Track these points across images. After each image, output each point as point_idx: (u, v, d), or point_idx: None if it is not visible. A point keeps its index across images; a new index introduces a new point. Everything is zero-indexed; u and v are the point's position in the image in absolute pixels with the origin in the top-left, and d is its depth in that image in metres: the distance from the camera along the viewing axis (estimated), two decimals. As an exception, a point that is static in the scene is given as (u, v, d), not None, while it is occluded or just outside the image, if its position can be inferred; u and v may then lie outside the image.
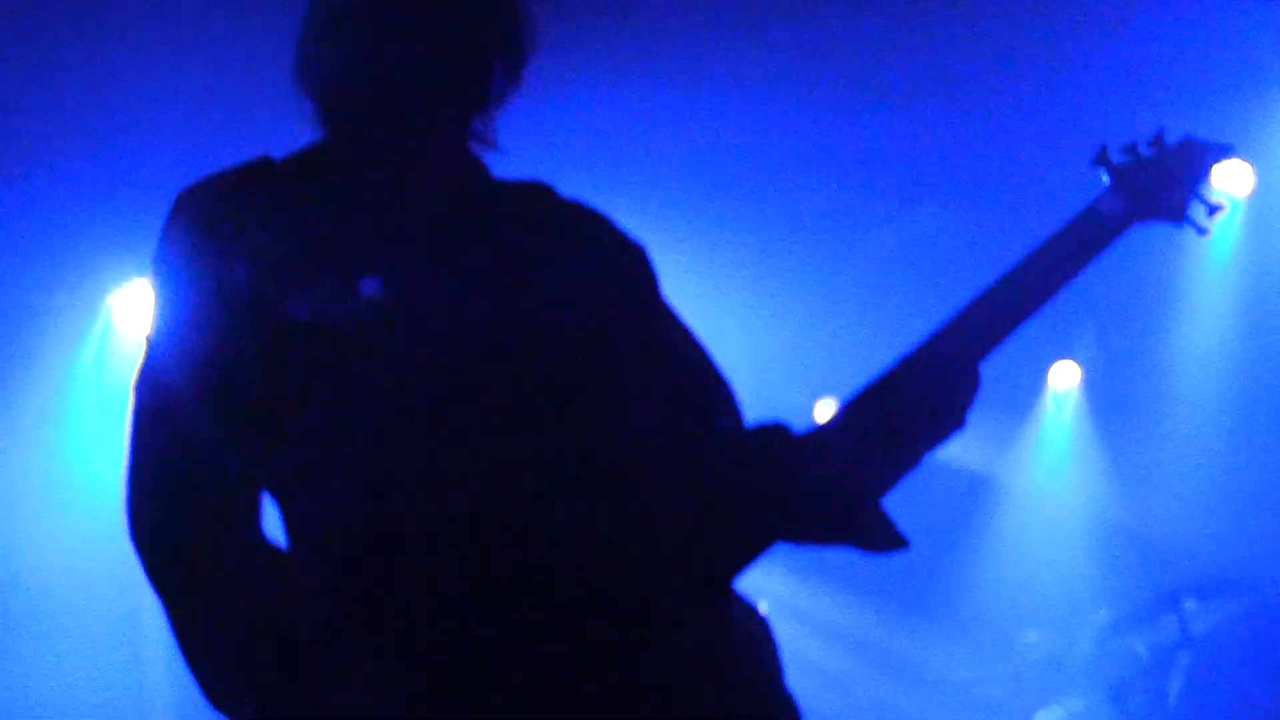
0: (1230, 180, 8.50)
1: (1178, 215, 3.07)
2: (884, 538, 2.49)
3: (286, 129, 2.44)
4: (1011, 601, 9.12)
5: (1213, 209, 3.10)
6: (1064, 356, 9.73)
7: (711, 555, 2.37)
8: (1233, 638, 7.71)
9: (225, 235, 2.28)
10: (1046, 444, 9.77)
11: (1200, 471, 9.01)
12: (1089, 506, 9.59)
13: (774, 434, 2.49)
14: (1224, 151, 3.12)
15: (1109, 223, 2.88)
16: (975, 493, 9.21)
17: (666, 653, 2.24)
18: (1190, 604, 7.59)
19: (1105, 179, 2.99)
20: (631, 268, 2.51)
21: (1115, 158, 3.03)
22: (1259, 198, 8.65)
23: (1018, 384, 9.38)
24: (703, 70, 7.18)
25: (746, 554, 2.41)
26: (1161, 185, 3.01)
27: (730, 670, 2.31)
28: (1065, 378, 9.80)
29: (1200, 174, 3.08)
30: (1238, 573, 7.98)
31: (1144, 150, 3.05)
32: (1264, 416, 8.98)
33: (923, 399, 2.49)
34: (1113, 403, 9.57)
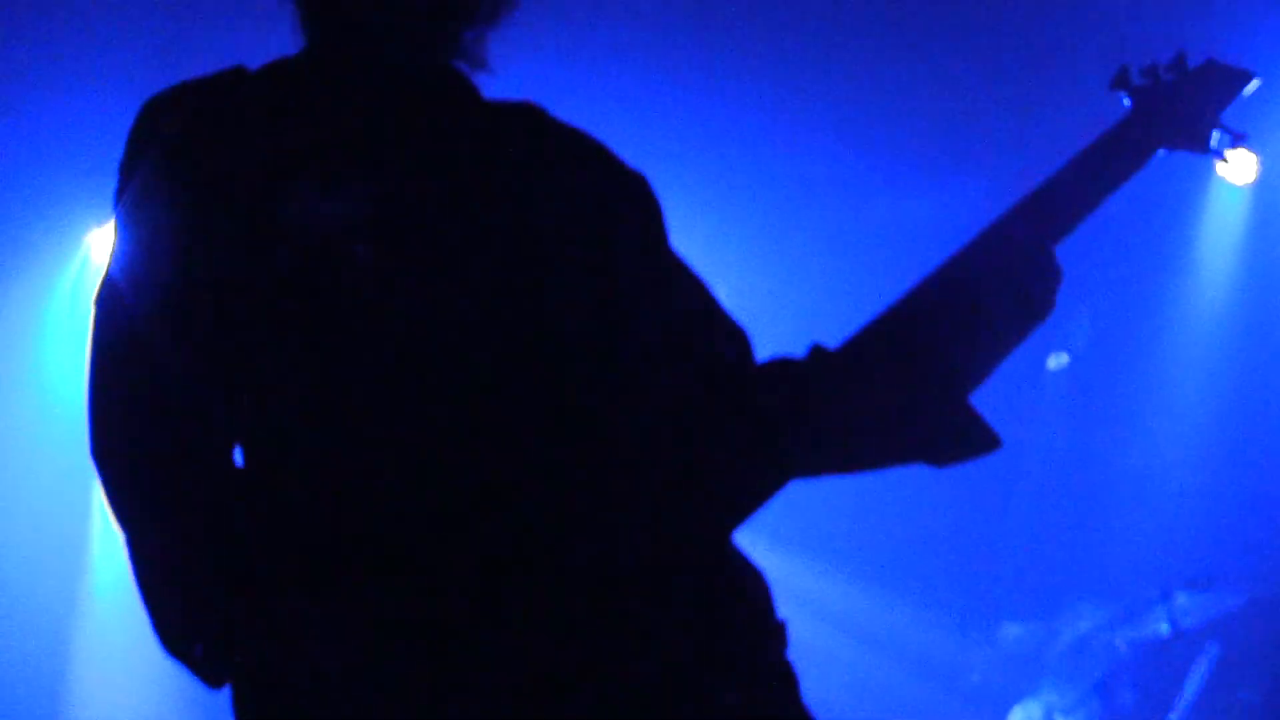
0: (1234, 170, 8.39)
1: (1201, 144, 2.95)
2: (971, 437, 2.28)
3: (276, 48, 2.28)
4: (996, 587, 8.94)
5: (1236, 138, 2.99)
6: (1058, 347, 9.56)
7: (710, 501, 2.18)
8: (1225, 635, 7.57)
9: (197, 151, 2.13)
10: (1040, 430, 9.62)
11: (1194, 463, 8.89)
12: (1079, 495, 9.44)
13: (801, 362, 2.32)
14: (1246, 77, 3.00)
15: (1132, 148, 2.76)
16: (963, 478, 9.04)
17: (655, 604, 2.06)
18: (1181, 598, 7.44)
19: (1126, 102, 2.88)
20: (632, 200, 2.32)
21: (1136, 80, 2.91)
22: (1262, 188, 8.52)
23: (1015, 371, 9.22)
24: (719, 31, 7.05)
25: (755, 493, 2.22)
26: (1183, 110, 2.90)
27: (723, 634, 2.12)
28: (1059, 364, 9.63)
29: (1223, 99, 2.98)
30: (1231, 568, 7.85)
31: (1164, 74, 2.93)
32: (1261, 410, 8.87)
33: (1002, 283, 2.33)
34: (1105, 392, 9.43)
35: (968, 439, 2.27)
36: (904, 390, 2.27)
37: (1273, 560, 8.02)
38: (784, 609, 2.23)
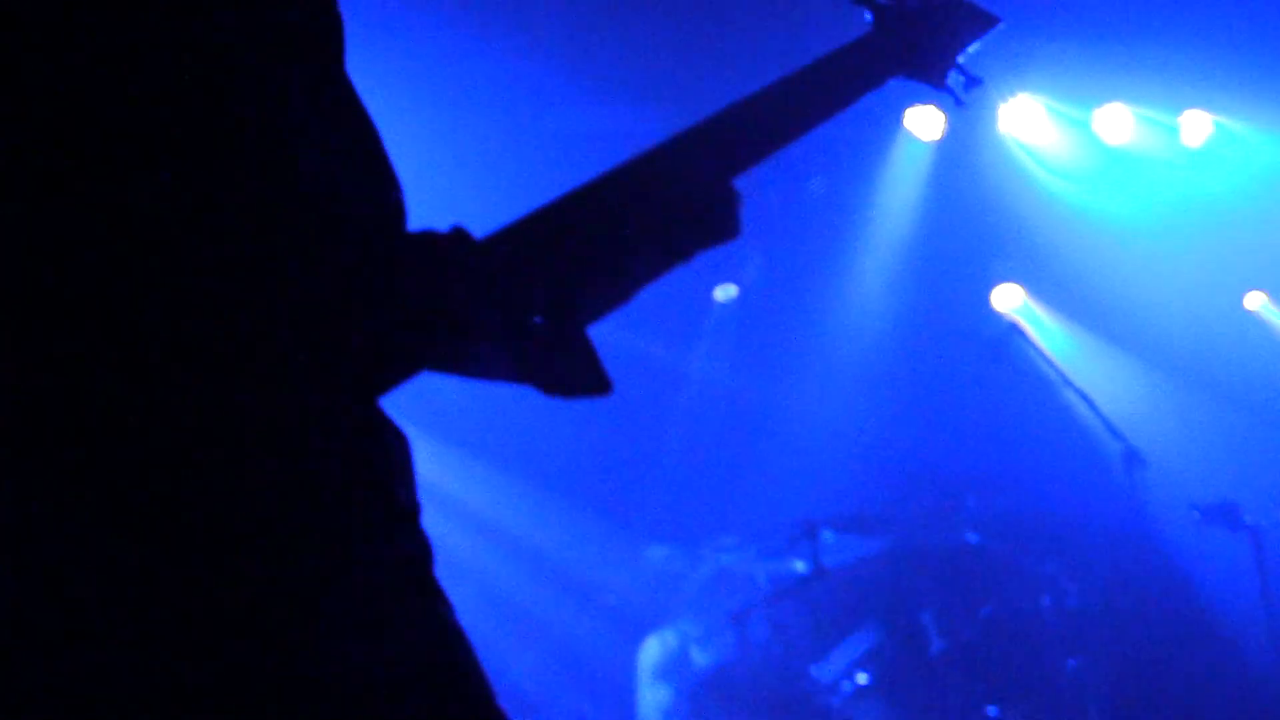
0: (920, 125, 8.55)
1: (938, 79, 2.86)
2: (581, 375, 2.15)
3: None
4: (644, 509, 8.92)
5: (972, 81, 2.90)
6: (728, 278, 9.56)
7: (354, 359, 1.98)
8: (864, 577, 7.68)
9: None
10: (697, 358, 9.64)
11: (853, 407, 9.01)
12: (729, 426, 9.49)
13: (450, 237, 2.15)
14: (992, 21, 2.93)
15: (868, 66, 2.65)
16: (622, 397, 8.99)
17: (283, 475, 1.85)
18: (828, 536, 7.53)
19: (868, 17, 2.77)
20: (308, 19, 2.09)
21: (879, -1, 2.80)
22: (946, 144, 8.68)
23: (682, 297, 9.22)
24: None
25: (399, 367, 2.06)
26: (924, 39, 2.80)
27: (364, 491, 1.94)
28: (726, 296, 9.63)
29: (965, 38, 2.89)
30: (876, 512, 7.97)
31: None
32: (924, 366, 9.05)
33: (676, 202, 2.19)
34: (771, 328, 9.49)
35: (577, 376, 2.15)
36: (525, 304, 2.12)
37: (917, 511, 8.19)
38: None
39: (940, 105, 8.28)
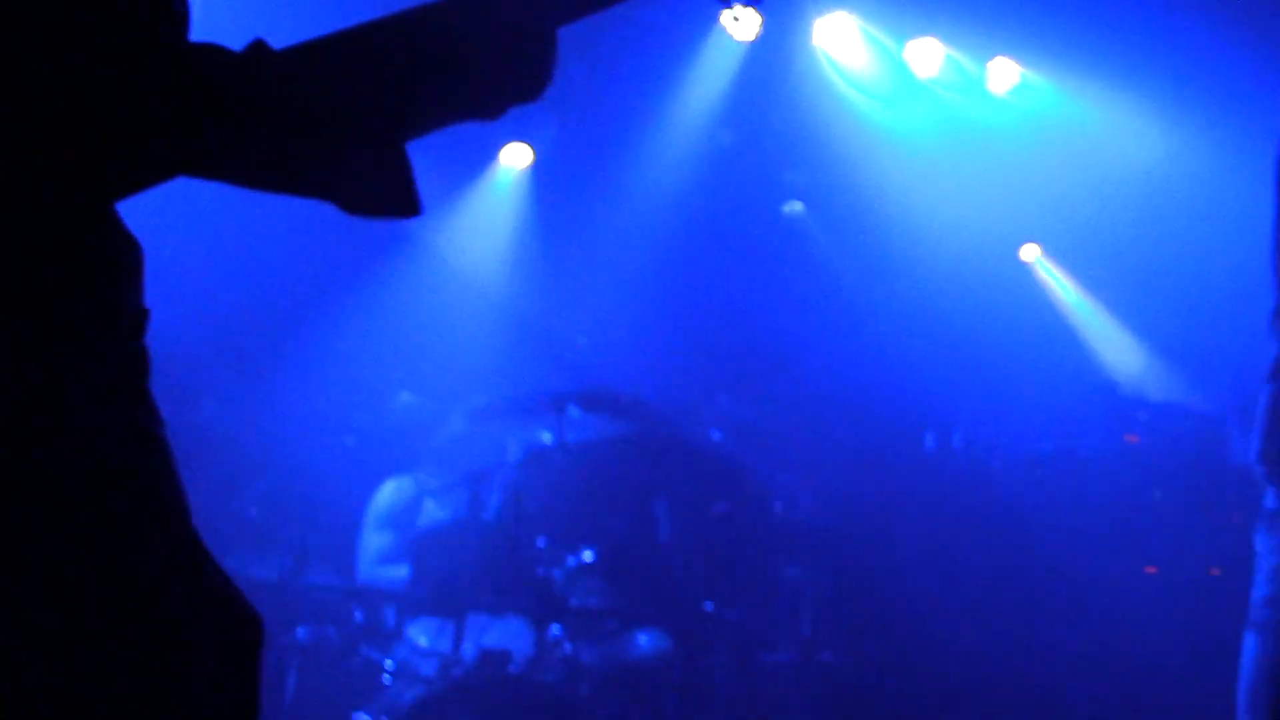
0: (735, 23, 8.51)
1: None
2: (392, 194, 2.09)
3: None
4: (398, 360, 8.80)
5: None
6: (519, 138, 9.44)
7: (88, 162, 1.92)
8: (604, 457, 7.72)
9: None
10: (482, 217, 9.53)
11: (623, 286, 9.01)
12: (505, 289, 9.44)
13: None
14: None
15: None
16: (392, 242, 8.91)
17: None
18: (574, 412, 7.53)
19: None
20: None
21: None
22: (758, 47, 8.67)
23: (466, 152, 9.10)
24: None
25: (145, 171, 1.99)
26: None
27: (87, 296, 1.90)
28: (517, 159, 9.52)
29: None
30: (628, 392, 8.01)
31: None
32: (701, 256, 9.08)
33: (499, 39, 2.14)
34: (560, 196, 9.43)
35: (388, 194, 2.10)
36: (337, 112, 2.06)
37: (668, 401, 8.26)
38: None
39: (758, 8, 8.24)
